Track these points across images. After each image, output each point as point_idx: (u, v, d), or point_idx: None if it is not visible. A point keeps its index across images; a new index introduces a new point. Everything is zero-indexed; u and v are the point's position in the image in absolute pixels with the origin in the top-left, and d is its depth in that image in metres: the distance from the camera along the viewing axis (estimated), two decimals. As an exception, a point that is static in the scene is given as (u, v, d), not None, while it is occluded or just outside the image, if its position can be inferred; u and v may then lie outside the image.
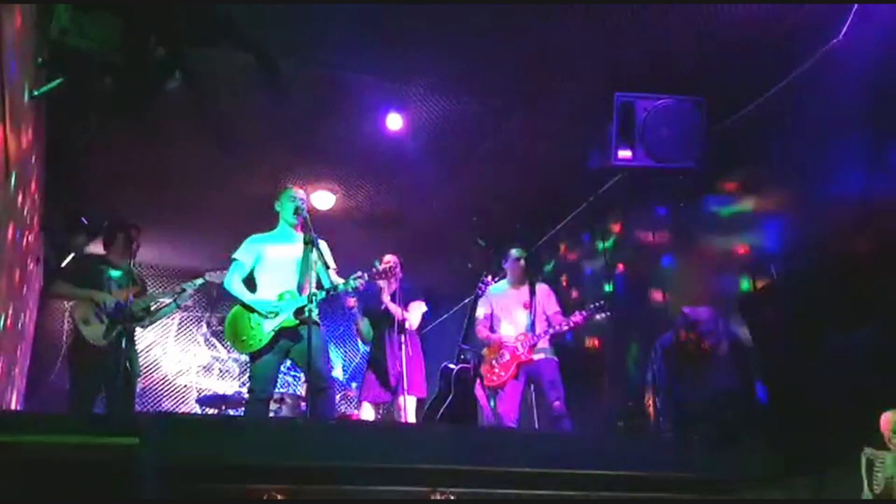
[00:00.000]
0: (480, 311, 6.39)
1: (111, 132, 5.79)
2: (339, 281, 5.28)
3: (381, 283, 6.39)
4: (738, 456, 4.51)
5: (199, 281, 5.84)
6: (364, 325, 6.53)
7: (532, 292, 6.28)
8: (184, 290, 5.77)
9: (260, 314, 5.14)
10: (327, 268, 5.23)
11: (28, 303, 6.42)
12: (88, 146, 5.88)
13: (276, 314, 5.12)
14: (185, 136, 6.03)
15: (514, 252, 6.43)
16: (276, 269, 5.32)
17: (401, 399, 6.20)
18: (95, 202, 6.76)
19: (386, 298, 6.37)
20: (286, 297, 5.18)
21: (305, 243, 5.19)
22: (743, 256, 5.39)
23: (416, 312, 6.56)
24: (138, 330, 5.90)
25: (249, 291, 5.32)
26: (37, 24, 3.96)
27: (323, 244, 5.36)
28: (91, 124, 5.80)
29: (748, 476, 4.46)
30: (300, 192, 5.47)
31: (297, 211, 5.34)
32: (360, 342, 6.85)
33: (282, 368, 5.53)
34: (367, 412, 6.36)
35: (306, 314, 5.01)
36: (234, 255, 5.38)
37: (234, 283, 5.32)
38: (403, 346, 6.22)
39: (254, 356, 5.15)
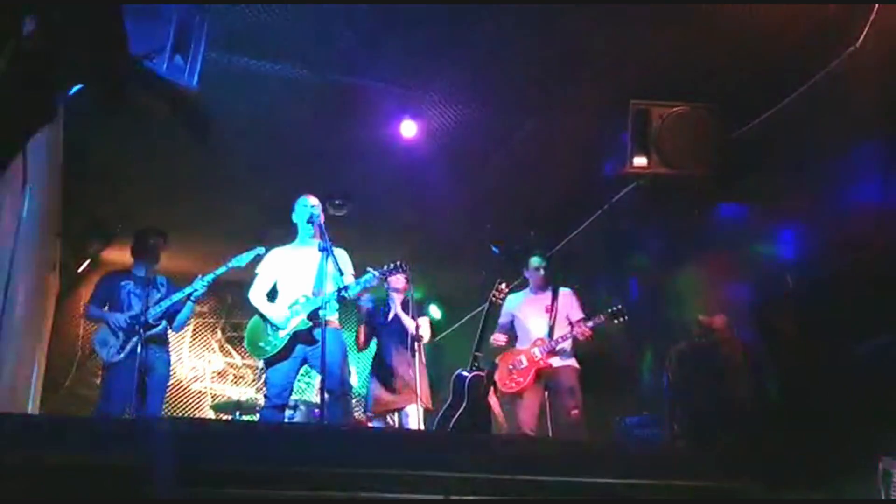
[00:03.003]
0: (503, 320, 6.40)
1: (129, 139, 5.86)
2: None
3: (393, 293, 6.48)
4: (752, 464, 4.47)
5: (220, 269, 5.82)
6: (361, 336, 6.63)
7: (554, 297, 6.27)
8: (196, 289, 5.77)
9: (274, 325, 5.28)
10: (341, 274, 5.28)
11: (45, 309, 6.47)
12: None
13: (292, 318, 5.23)
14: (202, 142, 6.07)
15: (533, 261, 6.43)
16: (295, 276, 5.43)
17: (408, 408, 6.24)
18: (113, 208, 6.82)
19: (399, 310, 6.42)
20: (300, 301, 5.27)
21: (319, 251, 5.27)
22: (758, 264, 5.36)
23: (426, 326, 6.62)
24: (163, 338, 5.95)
25: (271, 299, 5.46)
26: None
27: (341, 252, 5.43)
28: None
29: (763, 485, 4.43)
30: (314, 200, 5.54)
31: (311, 219, 5.40)
32: (355, 349, 6.88)
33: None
34: (377, 423, 6.41)
35: (321, 318, 5.08)
36: (257, 269, 5.55)
37: (254, 294, 5.48)
38: (417, 356, 6.26)
39: (270, 362, 5.25)
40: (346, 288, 5.26)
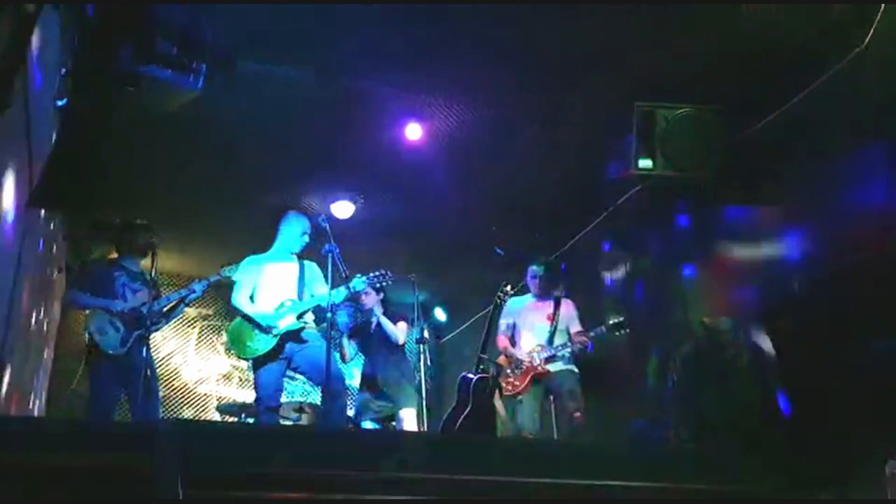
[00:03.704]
0: (503, 323, 6.41)
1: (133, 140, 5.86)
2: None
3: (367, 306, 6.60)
4: (758, 468, 4.46)
5: (214, 277, 5.84)
6: (349, 346, 6.66)
7: (557, 306, 6.28)
8: (194, 291, 5.77)
9: (265, 321, 5.39)
10: (346, 277, 5.47)
11: (51, 311, 6.48)
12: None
13: (276, 330, 5.38)
14: (207, 145, 6.08)
15: (532, 268, 6.47)
16: (275, 286, 5.58)
17: (401, 413, 6.28)
18: (117, 211, 6.83)
19: (381, 318, 6.53)
20: (286, 304, 5.44)
21: (324, 254, 5.41)
22: (763, 266, 5.34)
23: (402, 331, 6.70)
24: (159, 337, 5.91)
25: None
26: (60, 34, 4.01)
27: (313, 264, 5.71)
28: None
29: (769, 488, 4.41)
30: (308, 223, 5.76)
31: (303, 242, 5.71)
32: (339, 360, 6.94)
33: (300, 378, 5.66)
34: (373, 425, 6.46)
35: (328, 319, 5.31)
36: (235, 277, 5.69)
37: (239, 299, 5.60)
38: (422, 357, 6.29)
39: (258, 362, 5.34)
40: (347, 287, 5.48)
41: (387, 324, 6.48)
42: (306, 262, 5.69)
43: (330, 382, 5.13)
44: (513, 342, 6.35)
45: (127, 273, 5.64)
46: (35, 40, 3.27)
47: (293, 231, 5.68)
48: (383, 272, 5.74)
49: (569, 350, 6.07)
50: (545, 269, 6.47)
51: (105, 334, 5.36)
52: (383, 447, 3.88)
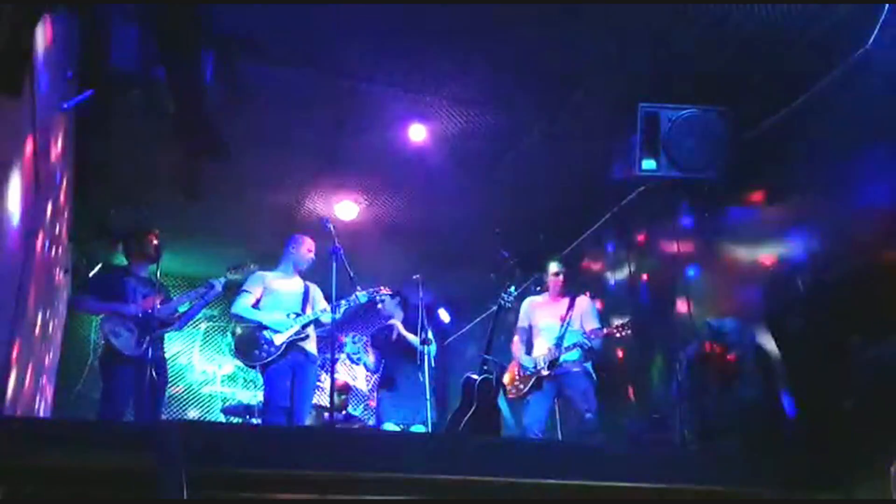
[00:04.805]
0: (520, 327, 6.39)
1: (138, 142, 5.88)
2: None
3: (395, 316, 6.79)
4: (763, 469, 4.45)
5: (222, 279, 5.91)
6: (371, 358, 6.82)
7: (572, 303, 6.23)
8: (208, 289, 5.85)
9: (272, 329, 5.64)
10: (357, 283, 5.85)
11: (57, 313, 6.50)
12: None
13: (289, 328, 5.67)
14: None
15: (552, 266, 6.40)
16: (280, 299, 5.84)
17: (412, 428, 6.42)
18: (123, 212, 6.85)
19: (402, 330, 6.70)
20: (292, 316, 5.73)
21: (331, 252, 5.61)
22: (769, 267, 5.33)
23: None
24: (164, 338, 5.96)
25: None
26: (66, 37, 4.02)
27: (315, 286, 6.03)
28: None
29: (774, 490, 4.40)
30: (312, 243, 6.07)
31: (309, 260, 6.01)
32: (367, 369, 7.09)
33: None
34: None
35: (333, 319, 5.66)
36: (244, 287, 5.91)
37: (243, 307, 5.81)
38: (426, 358, 6.33)
39: (266, 366, 5.44)
40: (356, 298, 5.81)
41: (409, 336, 6.60)
42: (309, 284, 6.00)
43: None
44: (529, 346, 6.29)
45: (136, 278, 5.71)
46: (40, 41, 3.28)
47: (299, 250, 5.98)
48: (377, 289, 6.12)
49: (579, 350, 5.97)
50: (564, 266, 6.41)
51: (120, 336, 5.46)
52: (385, 447, 3.88)
